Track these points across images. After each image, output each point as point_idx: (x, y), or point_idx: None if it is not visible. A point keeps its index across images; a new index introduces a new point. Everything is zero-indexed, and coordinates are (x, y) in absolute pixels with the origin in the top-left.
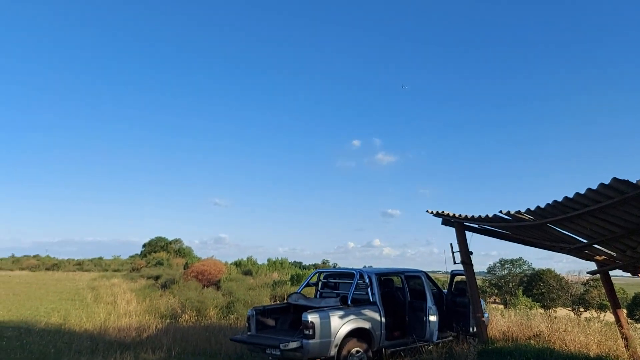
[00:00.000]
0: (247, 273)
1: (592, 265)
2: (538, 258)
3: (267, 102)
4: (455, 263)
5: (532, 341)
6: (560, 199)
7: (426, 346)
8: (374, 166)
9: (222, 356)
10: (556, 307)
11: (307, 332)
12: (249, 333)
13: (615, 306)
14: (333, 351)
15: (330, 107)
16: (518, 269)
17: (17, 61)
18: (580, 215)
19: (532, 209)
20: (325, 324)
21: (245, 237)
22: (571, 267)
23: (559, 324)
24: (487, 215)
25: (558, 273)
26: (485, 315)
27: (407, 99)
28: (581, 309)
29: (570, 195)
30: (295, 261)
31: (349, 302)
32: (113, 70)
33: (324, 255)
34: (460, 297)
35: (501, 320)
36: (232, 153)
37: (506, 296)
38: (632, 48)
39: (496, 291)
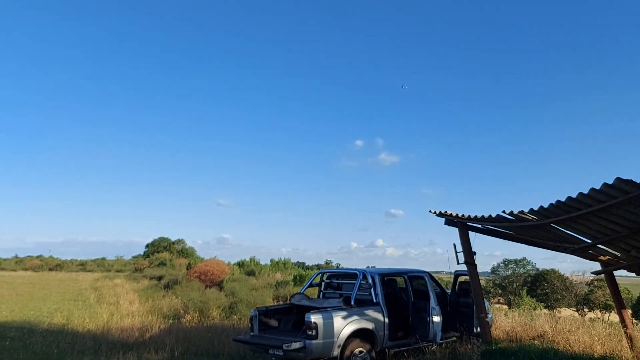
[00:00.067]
0: (250, 273)
1: (597, 266)
2: (542, 258)
3: (270, 103)
4: (458, 263)
5: (536, 341)
6: (563, 199)
7: (429, 347)
8: (376, 166)
9: (225, 356)
10: (560, 308)
11: (310, 332)
12: (251, 333)
13: (620, 306)
14: (336, 352)
15: (333, 108)
16: (522, 269)
17: (18, 61)
18: (583, 215)
19: (536, 209)
20: (328, 324)
21: (248, 237)
22: (575, 267)
23: (563, 324)
24: (490, 215)
25: (562, 273)
26: (489, 315)
27: (410, 99)
28: (585, 310)
29: (574, 195)
30: (298, 261)
31: (352, 303)
32: (116, 72)
33: (327, 255)
34: (464, 297)
35: (505, 320)
36: (235, 154)
37: (510, 296)
38: (633, 48)
39: (500, 291)
